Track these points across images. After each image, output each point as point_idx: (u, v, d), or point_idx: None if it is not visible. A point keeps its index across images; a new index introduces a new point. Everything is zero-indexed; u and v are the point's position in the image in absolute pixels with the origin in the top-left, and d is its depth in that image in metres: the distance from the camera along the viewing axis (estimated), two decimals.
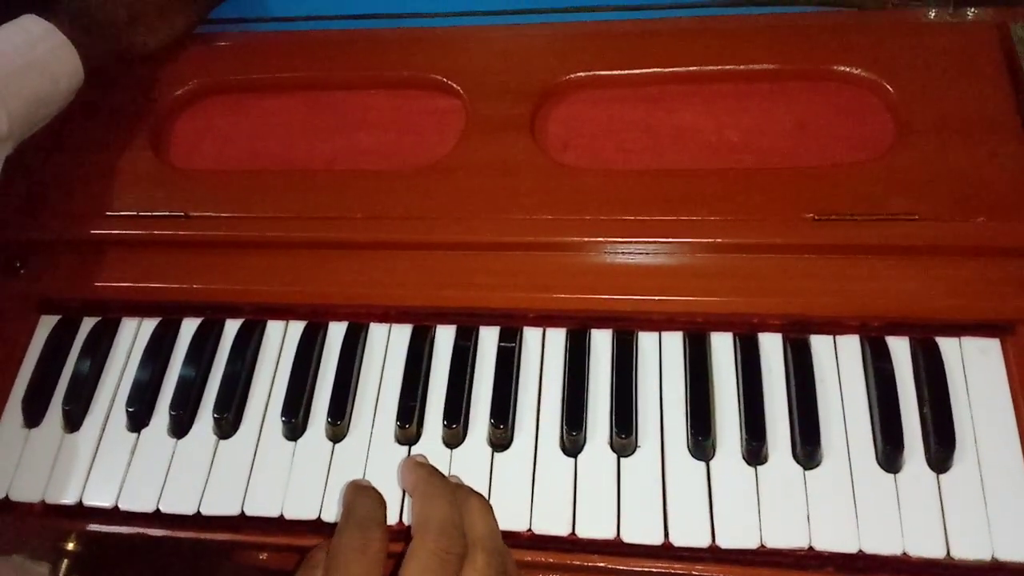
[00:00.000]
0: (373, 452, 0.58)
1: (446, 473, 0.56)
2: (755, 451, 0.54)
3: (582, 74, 0.68)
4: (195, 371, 0.62)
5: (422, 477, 0.49)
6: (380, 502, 0.50)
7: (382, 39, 0.73)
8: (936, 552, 0.51)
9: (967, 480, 0.52)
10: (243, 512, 0.57)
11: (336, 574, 0.45)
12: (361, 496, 0.50)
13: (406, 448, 0.58)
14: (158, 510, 0.58)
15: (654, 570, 0.53)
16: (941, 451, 0.53)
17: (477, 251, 0.62)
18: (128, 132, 0.71)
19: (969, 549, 0.50)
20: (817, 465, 0.54)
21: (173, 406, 0.61)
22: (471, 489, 0.50)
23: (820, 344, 0.58)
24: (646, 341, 0.60)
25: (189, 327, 0.65)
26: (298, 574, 0.48)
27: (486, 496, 0.54)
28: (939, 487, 0.52)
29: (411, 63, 0.71)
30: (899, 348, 0.57)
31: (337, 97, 0.72)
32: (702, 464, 0.55)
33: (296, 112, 0.72)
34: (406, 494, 0.55)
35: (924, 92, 0.63)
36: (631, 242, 0.60)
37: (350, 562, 0.45)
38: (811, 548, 0.52)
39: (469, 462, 0.57)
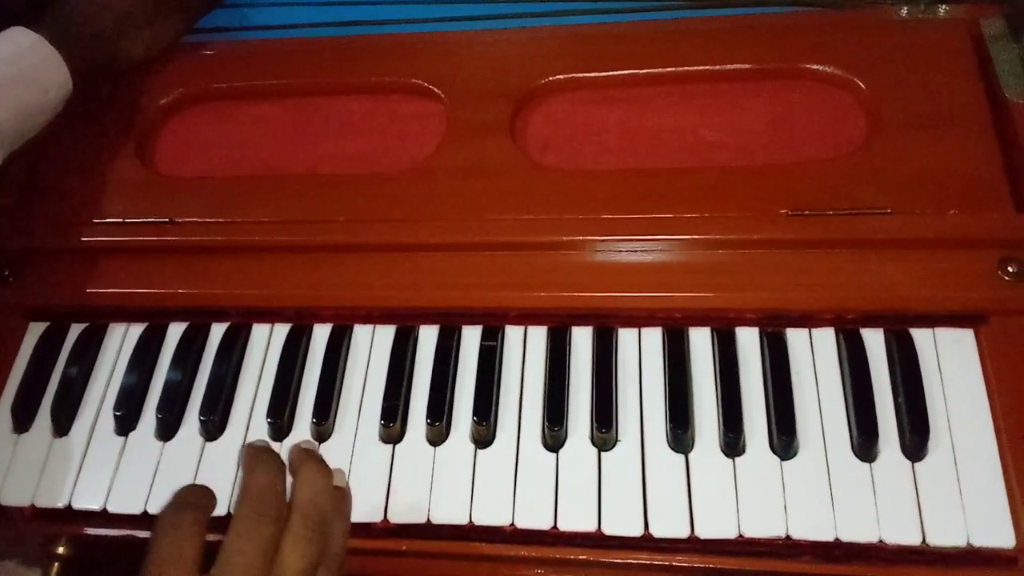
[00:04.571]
0: (358, 451, 0.59)
1: (428, 472, 0.57)
2: (733, 443, 0.55)
3: (560, 77, 0.69)
4: (181, 375, 0.63)
5: (249, 454, 0.50)
6: (204, 491, 0.49)
7: (363, 46, 0.74)
8: (912, 539, 0.51)
9: (942, 468, 0.53)
10: (230, 513, 0.58)
11: (151, 549, 0.45)
12: (186, 487, 0.50)
13: (391, 446, 0.59)
14: (146, 512, 0.59)
15: (635, 561, 0.53)
16: (916, 440, 0.53)
17: (459, 252, 0.63)
18: (114, 140, 0.72)
19: (944, 535, 0.51)
20: (794, 456, 0.54)
21: (160, 409, 0.62)
22: (312, 457, 0.49)
23: (796, 337, 0.59)
24: (626, 337, 0.60)
25: (175, 331, 0.66)
26: None
27: (469, 490, 0.56)
28: (914, 475, 0.53)
29: (392, 69, 0.72)
30: (874, 340, 0.58)
31: (320, 103, 0.73)
32: (681, 457, 0.55)
33: (280, 119, 0.73)
34: None
35: (896, 89, 0.64)
36: (610, 240, 0.61)
37: (161, 537, 0.45)
38: (788, 537, 0.52)
39: (452, 459, 0.58)
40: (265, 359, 0.64)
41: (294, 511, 0.46)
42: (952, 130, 0.61)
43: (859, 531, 0.52)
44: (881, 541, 0.51)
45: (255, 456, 0.48)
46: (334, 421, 0.60)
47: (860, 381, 0.56)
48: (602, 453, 0.56)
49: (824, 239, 0.59)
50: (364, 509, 0.56)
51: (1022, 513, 0.51)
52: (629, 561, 0.54)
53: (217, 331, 0.65)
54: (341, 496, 0.50)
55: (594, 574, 0.56)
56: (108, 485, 0.60)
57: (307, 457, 0.49)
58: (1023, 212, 0.58)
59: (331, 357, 0.62)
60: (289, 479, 0.49)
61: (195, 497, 0.48)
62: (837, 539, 0.52)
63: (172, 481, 0.59)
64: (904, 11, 0.68)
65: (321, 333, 0.64)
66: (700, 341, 0.59)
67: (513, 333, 0.62)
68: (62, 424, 0.63)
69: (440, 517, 0.56)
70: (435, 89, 0.70)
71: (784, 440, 0.54)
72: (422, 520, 0.56)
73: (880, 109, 0.63)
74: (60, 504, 0.60)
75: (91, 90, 0.71)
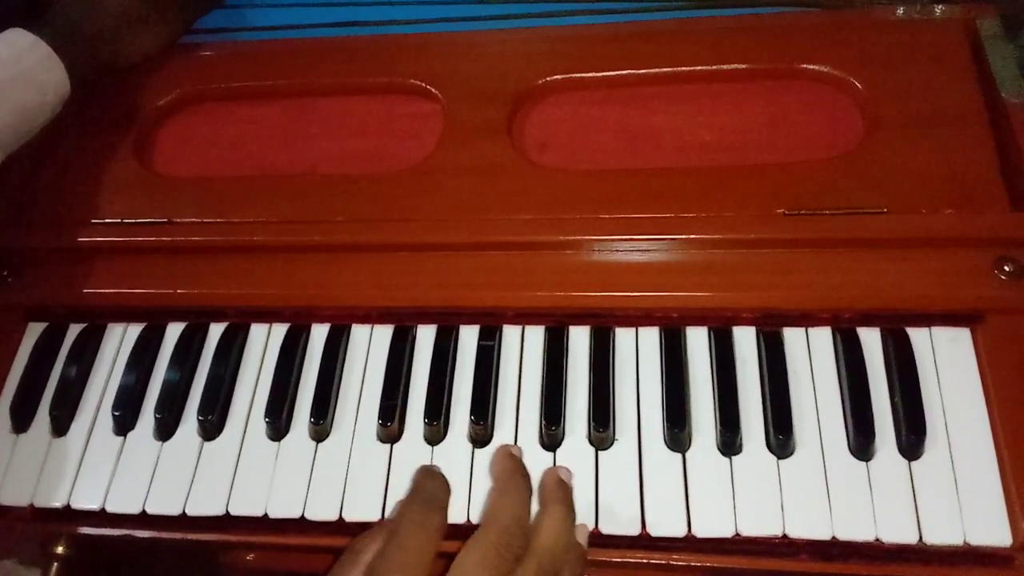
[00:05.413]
0: (356, 450, 0.59)
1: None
2: (730, 442, 0.55)
3: (558, 77, 0.69)
4: (180, 375, 0.63)
5: (506, 470, 0.50)
6: (445, 486, 0.51)
7: (361, 46, 0.74)
8: (909, 537, 0.51)
9: (938, 467, 0.53)
10: (228, 512, 0.58)
11: (395, 544, 0.46)
12: (428, 478, 0.51)
13: (388, 446, 0.59)
14: (144, 512, 0.59)
15: (632, 560, 0.53)
16: (912, 439, 0.53)
17: (457, 252, 0.63)
18: (112, 141, 0.72)
19: (941, 534, 0.51)
20: (791, 454, 0.55)
21: (158, 409, 0.62)
22: (562, 497, 0.50)
23: (792, 336, 0.59)
24: (623, 337, 0.61)
25: (174, 331, 0.66)
26: (343, 557, 0.49)
27: (467, 490, 0.56)
28: (911, 474, 0.53)
29: (390, 69, 0.72)
30: (870, 339, 0.58)
31: (318, 104, 0.73)
32: (678, 456, 0.56)
33: (278, 119, 0.73)
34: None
35: (892, 88, 0.64)
36: (608, 240, 0.61)
37: (409, 534, 0.46)
38: (785, 536, 0.52)
39: (450, 458, 0.57)
40: (263, 359, 0.64)
41: (531, 555, 0.46)
42: (948, 130, 0.62)
43: (856, 530, 0.52)
44: (878, 540, 0.52)
45: (511, 480, 0.49)
46: (332, 420, 0.60)
47: (857, 380, 0.56)
48: (599, 452, 0.56)
49: (821, 239, 0.59)
50: (360, 508, 0.56)
51: (1019, 511, 0.51)
52: (626, 560, 0.54)
53: (215, 331, 0.65)
54: (579, 554, 0.50)
55: (591, 573, 0.55)
56: (107, 485, 0.60)
57: (559, 498, 0.49)
58: (1019, 211, 0.58)
59: (329, 357, 0.62)
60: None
61: (443, 494, 0.49)
62: (834, 538, 0.52)
63: (171, 481, 0.59)
64: (901, 11, 0.68)
65: (319, 333, 0.64)
66: (697, 340, 0.60)
67: (511, 332, 0.62)
68: (61, 424, 0.63)
69: None
70: (433, 89, 0.70)
71: (781, 439, 0.54)
72: None
73: (876, 109, 0.63)
74: (59, 504, 0.60)
75: (89, 91, 0.71)
